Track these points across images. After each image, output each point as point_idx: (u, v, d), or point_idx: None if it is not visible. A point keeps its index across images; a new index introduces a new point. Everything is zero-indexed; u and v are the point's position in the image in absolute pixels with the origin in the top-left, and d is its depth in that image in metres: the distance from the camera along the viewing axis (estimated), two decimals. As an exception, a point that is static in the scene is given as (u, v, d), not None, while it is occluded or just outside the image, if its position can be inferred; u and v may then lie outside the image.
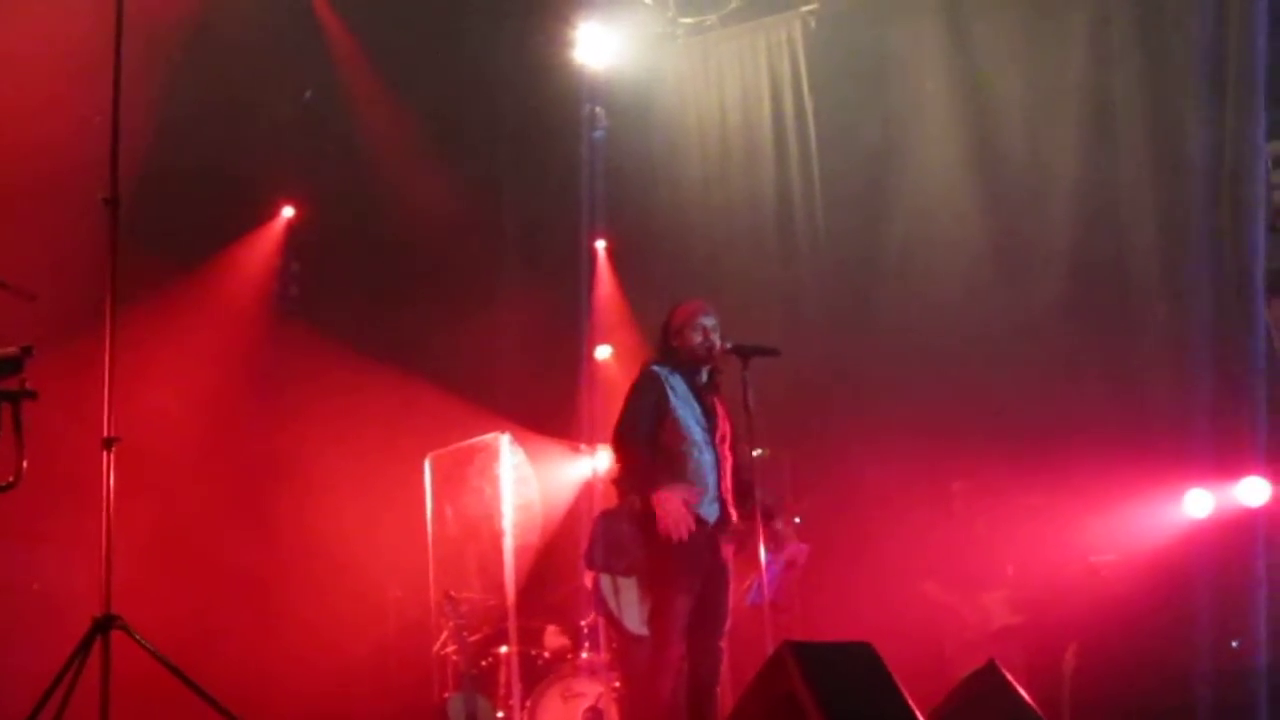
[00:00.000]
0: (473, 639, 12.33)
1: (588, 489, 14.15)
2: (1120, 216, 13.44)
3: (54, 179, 10.88)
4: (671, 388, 8.66)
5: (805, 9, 14.94)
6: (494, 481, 13.31)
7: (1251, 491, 11.74)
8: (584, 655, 12.18)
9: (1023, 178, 13.92)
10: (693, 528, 8.48)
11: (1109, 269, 13.49)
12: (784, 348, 9.30)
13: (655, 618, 8.70)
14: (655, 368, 8.79)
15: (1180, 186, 12.89)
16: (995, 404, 13.33)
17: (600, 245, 15.74)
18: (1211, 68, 12.63)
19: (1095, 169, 13.53)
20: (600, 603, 11.46)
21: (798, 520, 13.39)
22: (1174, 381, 12.66)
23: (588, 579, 11.62)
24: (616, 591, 11.37)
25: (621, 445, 8.79)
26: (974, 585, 12.14)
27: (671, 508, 8.43)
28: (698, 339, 8.80)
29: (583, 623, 12.17)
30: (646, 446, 8.64)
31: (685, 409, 8.65)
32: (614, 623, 11.42)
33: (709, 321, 8.85)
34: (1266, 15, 12.09)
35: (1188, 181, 12.77)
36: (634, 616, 11.17)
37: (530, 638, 12.68)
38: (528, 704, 11.93)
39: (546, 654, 12.45)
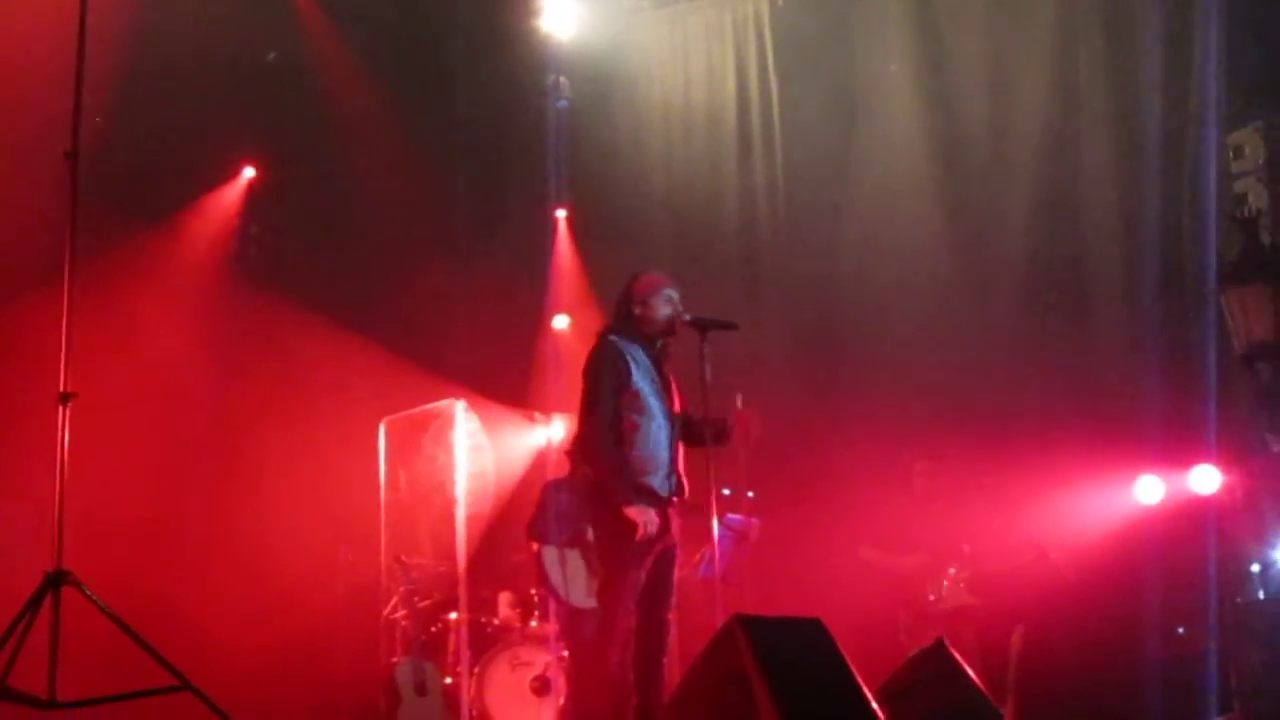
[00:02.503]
0: (422, 605, 12.35)
1: (541, 458, 14.17)
2: (1078, 203, 13.51)
3: (13, 131, 10.83)
4: (632, 358, 8.63)
5: (773, -15, 14.98)
6: (448, 448, 13.32)
7: (1202, 479, 11.81)
8: (533, 624, 12.20)
9: (984, 161, 13.98)
10: (656, 522, 8.49)
11: (1066, 255, 13.57)
12: (742, 322, 9.29)
13: (607, 590, 8.68)
14: (614, 338, 8.76)
15: (1138, 174, 12.97)
16: (951, 386, 13.38)
17: (560, 215, 15.71)
18: (1172, 55, 12.70)
19: (1056, 154, 13.60)
20: (544, 575, 11.48)
21: (751, 495, 13.42)
22: (1127, 368, 12.75)
23: (533, 549, 11.65)
24: (562, 563, 11.39)
25: (588, 421, 8.75)
26: (930, 559, 12.15)
27: (645, 519, 8.43)
28: (665, 311, 8.74)
29: (533, 592, 12.19)
30: (611, 424, 8.61)
31: (644, 381, 8.61)
32: (557, 596, 11.44)
33: (675, 293, 8.82)
34: (1224, 3, 12.17)
35: (1146, 169, 12.85)
36: (579, 589, 11.19)
37: (479, 605, 12.70)
38: (476, 671, 11.95)
39: (496, 622, 12.47)
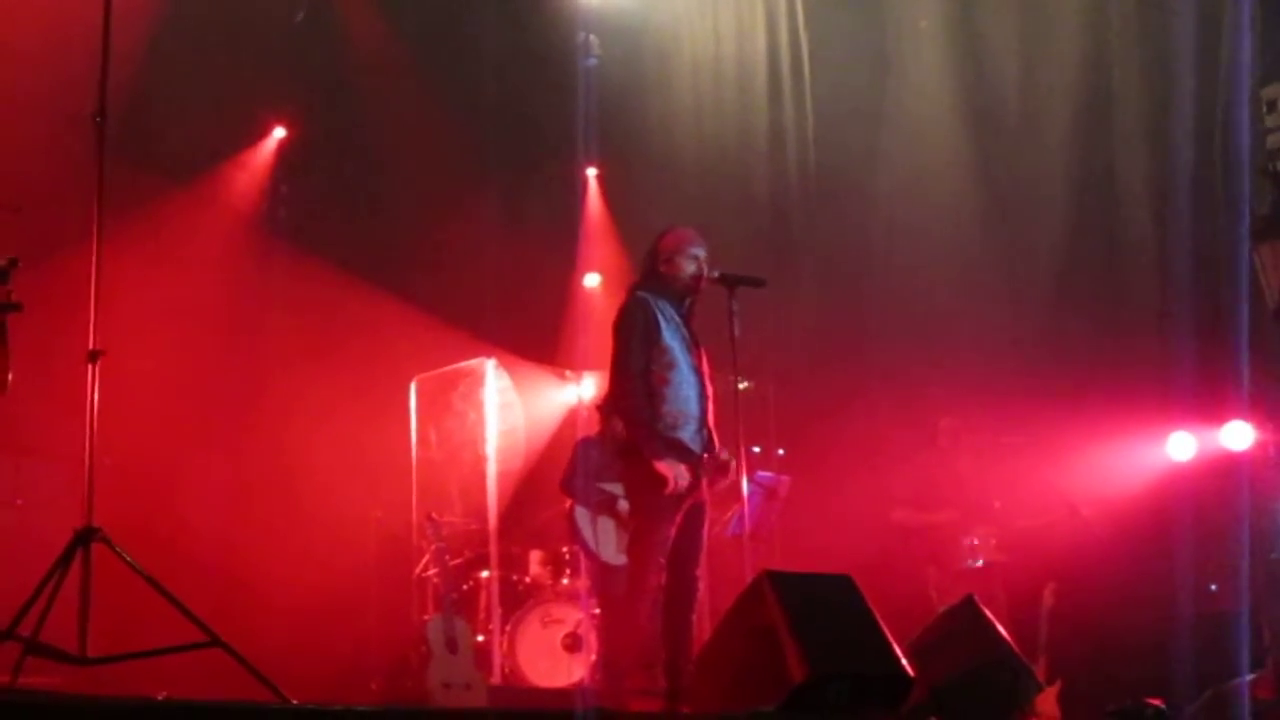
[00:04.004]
0: (454, 563, 12.36)
1: (572, 415, 14.18)
2: (1110, 158, 13.45)
3: (42, 93, 10.87)
4: (662, 314, 8.62)
5: (801, -61, 14.90)
6: (479, 406, 13.34)
7: (1235, 436, 11.77)
8: (564, 581, 12.23)
9: (1015, 117, 13.93)
10: (687, 477, 8.49)
11: (1097, 210, 13.51)
12: (771, 279, 9.30)
13: (637, 545, 8.70)
14: (643, 294, 8.76)
15: (1170, 129, 12.89)
16: (982, 342, 13.35)
17: (591, 173, 15.69)
18: (1204, 8, 12.62)
19: (1087, 109, 13.54)
20: (575, 531, 11.51)
21: (780, 452, 13.44)
22: (1159, 325, 12.70)
23: (565, 506, 11.68)
24: (593, 520, 11.42)
25: (618, 377, 8.75)
26: (961, 516, 12.12)
27: (675, 473, 8.43)
28: (690, 268, 8.75)
29: (564, 549, 12.21)
30: (642, 380, 8.61)
31: (674, 337, 8.62)
32: (589, 552, 11.48)
33: (701, 251, 8.82)
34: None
35: (1177, 124, 12.77)
36: (610, 546, 11.22)
37: (511, 563, 12.73)
38: (507, 628, 11.99)
39: (527, 579, 12.49)
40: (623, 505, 10.75)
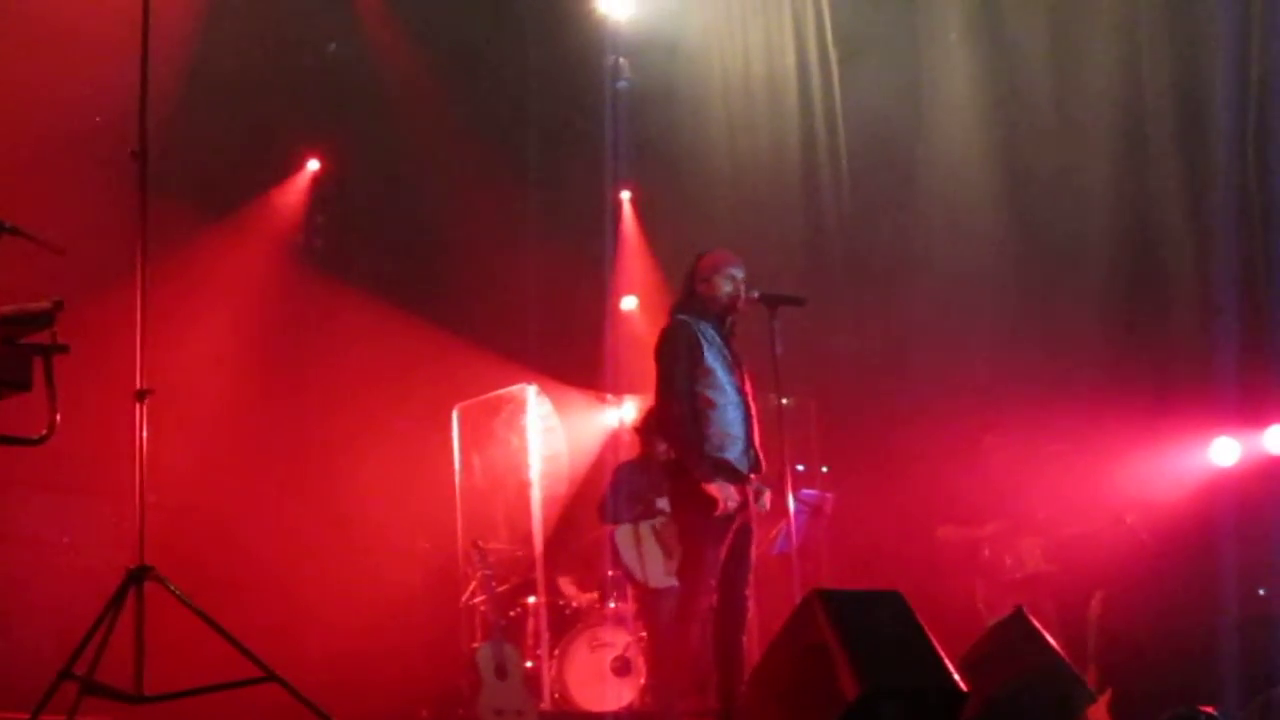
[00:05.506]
0: (501, 589, 12.38)
1: (614, 439, 14.20)
2: (1145, 161, 13.40)
3: (82, 133, 10.93)
4: (703, 336, 8.65)
5: (830, -43, 14.88)
6: (521, 432, 13.34)
7: (1279, 440, 11.73)
8: (611, 605, 12.22)
9: (1047, 125, 13.88)
10: (737, 498, 8.50)
11: (1134, 216, 13.46)
12: (810, 296, 9.31)
13: (687, 567, 8.71)
14: (684, 317, 8.78)
15: (1206, 129, 12.85)
16: (1022, 353, 13.32)
17: (625, 196, 15.71)
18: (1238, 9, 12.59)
19: (1119, 114, 13.49)
20: (617, 557, 11.51)
21: (825, 469, 13.43)
22: (1200, 329, 12.65)
23: (605, 531, 11.68)
24: (636, 543, 11.42)
25: (664, 401, 8.76)
26: (1007, 528, 12.08)
27: (724, 495, 8.45)
28: (728, 288, 8.76)
29: (610, 573, 12.21)
30: (687, 402, 8.63)
31: (716, 359, 8.64)
32: (634, 580, 11.48)
33: (739, 273, 8.83)
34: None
35: (1213, 124, 12.73)
36: (656, 569, 11.22)
37: (557, 588, 12.73)
38: (556, 653, 11.99)
39: (574, 604, 12.49)
40: (661, 503, 10.81)
